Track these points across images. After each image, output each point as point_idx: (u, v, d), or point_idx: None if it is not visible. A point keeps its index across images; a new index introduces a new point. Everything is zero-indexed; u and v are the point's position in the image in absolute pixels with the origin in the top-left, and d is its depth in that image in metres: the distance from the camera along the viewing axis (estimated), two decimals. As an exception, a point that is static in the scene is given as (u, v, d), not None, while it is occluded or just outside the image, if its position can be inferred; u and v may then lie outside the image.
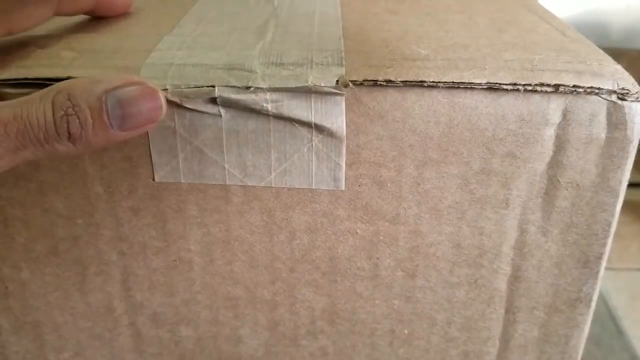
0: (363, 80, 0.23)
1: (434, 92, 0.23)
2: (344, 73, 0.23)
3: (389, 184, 0.25)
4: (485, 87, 0.23)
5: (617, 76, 0.23)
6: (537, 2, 0.33)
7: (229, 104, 0.23)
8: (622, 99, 0.23)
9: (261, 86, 0.22)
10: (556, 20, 0.30)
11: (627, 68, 0.24)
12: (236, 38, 0.26)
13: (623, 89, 0.23)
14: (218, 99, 0.23)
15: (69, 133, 0.19)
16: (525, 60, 0.24)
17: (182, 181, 0.25)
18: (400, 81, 0.23)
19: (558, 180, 0.24)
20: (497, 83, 0.22)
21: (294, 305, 0.28)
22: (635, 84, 0.23)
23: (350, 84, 0.22)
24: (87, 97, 0.19)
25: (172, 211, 0.26)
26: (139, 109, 0.20)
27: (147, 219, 0.26)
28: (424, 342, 0.29)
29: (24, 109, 0.19)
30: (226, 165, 0.24)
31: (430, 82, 0.22)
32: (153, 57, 0.24)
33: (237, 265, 0.27)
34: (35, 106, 0.19)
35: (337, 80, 0.22)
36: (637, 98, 0.23)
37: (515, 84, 0.22)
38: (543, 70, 0.23)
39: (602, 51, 0.25)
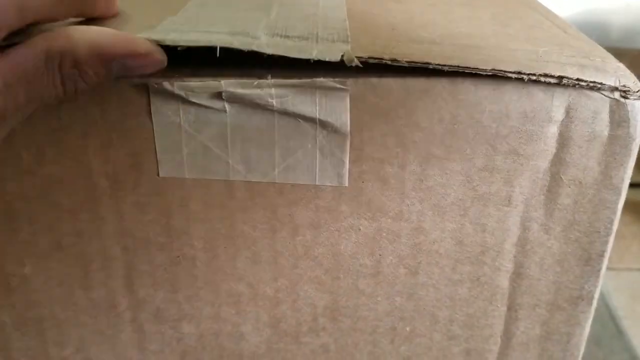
0: (368, 57, 0.22)
1: (438, 87, 0.23)
2: (349, 50, 0.22)
3: (392, 181, 0.25)
4: (490, 73, 0.22)
5: (619, 73, 0.23)
6: (538, 0, 0.33)
7: (234, 99, 0.23)
8: (625, 97, 0.23)
9: (265, 51, 0.22)
10: (557, 19, 0.30)
11: (627, 67, 0.24)
12: (240, 15, 0.26)
13: (625, 86, 0.23)
14: (224, 94, 0.23)
15: (74, 90, 0.20)
16: (530, 51, 0.24)
17: (187, 176, 0.25)
18: (406, 61, 0.22)
19: (561, 177, 0.25)
20: (501, 70, 0.22)
21: (296, 302, 0.28)
22: (637, 82, 0.23)
23: (356, 60, 0.22)
24: (93, 65, 0.19)
25: (176, 207, 0.26)
26: (144, 70, 0.21)
27: (151, 215, 0.26)
28: (426, 339, 0.29)
29: (29, 72, 0.19)
30: (230, 161, 0.25)
31: (436, 64, 0.22)
32: (155, 29, 0.24)
33: (240, 262, 0.27)
34: (41, 71, 0.19)
35: (343, 55, 0.22)
36: (640, 96, 0.23)
37: (520, 73, 0.22)
38: (547, 62, 0.23)
39: (604, 49, 0.25)
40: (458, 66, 0.22)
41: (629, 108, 0.23)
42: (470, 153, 0.24)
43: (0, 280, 0.28)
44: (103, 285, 0.28)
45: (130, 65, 0.21)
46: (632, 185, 0.26)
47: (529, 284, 0.27)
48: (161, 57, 0.22)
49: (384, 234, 0.26)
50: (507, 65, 0.22)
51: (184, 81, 0.23)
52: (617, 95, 0.23)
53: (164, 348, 0.30)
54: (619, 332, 0.62)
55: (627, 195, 0.26)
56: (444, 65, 0.22)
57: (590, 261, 0.26)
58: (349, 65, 0.22)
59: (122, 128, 0.24)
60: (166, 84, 0.23)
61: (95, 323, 0.29)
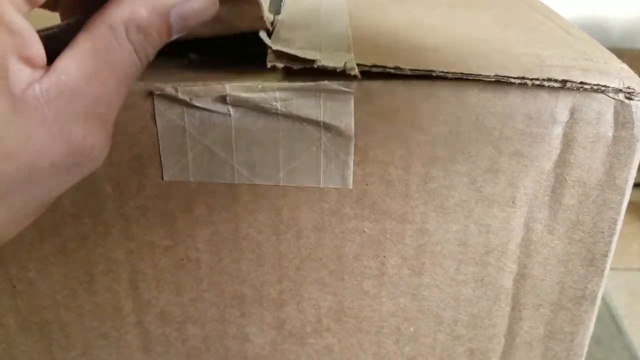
0: (372, 65, 0.22)
1: (442, 90, 0.23)
2: (352, 58, 0.22)
3: (396, 183, 0.25)
4: (493, 79, 0.22)
5: (623, 75, 0.23)
6: (540, 1, 0.33)
7: (238, 103, 0.23)
8: (629, 98, 0.23)
9: (272, 46, 0.22)
10: (560, 19, 0.30)
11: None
12: None
13: (629, 87, 0.23)
14: (228, 98, 0.23)
15: (147, 58, 0.19)
16: (533, 55, 0.24)
17: (191, 180, 0.25)
18: (409, 69, 0.22)
19: (565, 178, 0.25)
20: (505, 76, 0.22)
21: (300, 303, 0.28)
22: None
23: (356, 69, 0.22)
24: (154, 23, 0.19)
25: (181, 210, 0.26)
26: (201, 18, 0.20)
27: (156, 218, 0.26)
28: (430, 339, 0.29)
29: (102, 51, 0.18)
30: (235, 164, 0.25)
31: (439, 71, 0.22)
32: None
33: (245, 264, 0.27)
34: (114, 46, 0.18)
35: (345, 63, 0.22)
36: (644, 97, 0.23)
37: (523, 78, 0.22)
38: (550, 66, 0.23)
39: (606, 50, 0.25)
40: (462, 73, 0.22)
41: (633, 109, 0.23)
42: (475, 155, 0.24)
43: (5, 284, 0.28)
44: (108, 288, 0.28)
45: (187, 13, 0.20)
46: (633, 185, 0.26)
47: (532, 284, 0.27)
48: None
49: (388, 236, 0.26)
50: (511, 71, 0.22)
51: (188, 86, 0.23)
52: (621, 96, 0.23)
53: (168, 350, 0.30)
54: (619, 332, 0.62)
55: (628, 195, 0.26)
56: (448, 73, 0.22)
57: (594, 261, 0.26)
58: (348, 73, 0.22)
59: (126, 132, 0.24)
60: (170, 89, 0.23)
61: (100, 326, 0.29)
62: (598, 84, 0.23)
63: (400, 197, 0.25)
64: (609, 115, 0.23)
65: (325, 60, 0.22)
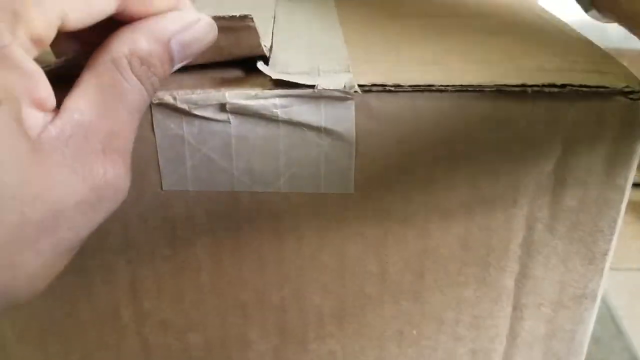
0: (371, 85, 0.23)
1: (443, 98, 0.23)
2: (351, 79, 0.23)
3: (397, 186, 0.25)
4: (494, 89, 0.23)
5: (623, 76, 0.23)
6: (538, 3, 0.33)
7: (237, 110, 0.23)
8: (629, 99, 0.23)
9: (272, 75, 0.22)
10: (559, 22, 0.30)
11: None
12: None
13: (629, 87, 0.23)
14: (227, 105, 0.23)
15: (153, 89, 0.20)
16: (533, 61, 0.24)
17: (190, 189, 0.25)
18: (409, 86, 0.22)
19: (565, 179, 0.25)
20: (505, 85, 0.22)
21: (302, 308, 0.28)
22: None
23: (359, 90, 0.22)
24: (156, 53, 0.19)
25: (181, 218, 0.26)
26: (200, 45, 0.21)
27: (155, 227, 0.26)
28: (432, 341, 0.29)
29: (108, 86, 0.18)
30: (235, 172, 0.24)
31: (439, 85, 0.22)
32: None
33: (246, 270, 0.27)
34: (118, 80, 0.18)
35: (345, 85, 0.22)
36: (644, 97, 0.23)
37: (523, 85, 0.22)
38: (550, 71, 0.23)
39: (606, 51, 0.25)
40: (461, 85, 0.22)
41: (633, 110, 0.23)
42: (476, 157, 0.24)
43: None
44: (107, 297, 0.28)
45: (187, 40, 0.20)
46: (633, 185, 0.26)
47: (533, 284, 0.27)
48: (211, 21, 0.21)
49: (390, 239, 0.26)
50: (511, 79, 0.22)
51: (187, 94, 0.23)
52: (621, 97, 0.23)
53: (170, 358, 0.30)
54: (619, 332, 0.62)
55: (628, 195, 0.26)
56: (448, 86, 0.22)
57: (594, 260, 0.26)
58: (349, 90, 0.22)
59: None
60: (168, 97, 0.23)
61: (100, 335, 0.29)
62: (598, 86, 0.23)
63: (401, 200, 0.25)
64: (609, 116, 0.23)
65: (325, 83, 0.22)
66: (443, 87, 0.22)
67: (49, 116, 0.17)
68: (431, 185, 0.25)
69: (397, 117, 0.23)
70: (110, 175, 0.18)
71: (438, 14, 0.30)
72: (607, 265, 0.27)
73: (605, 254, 0.26)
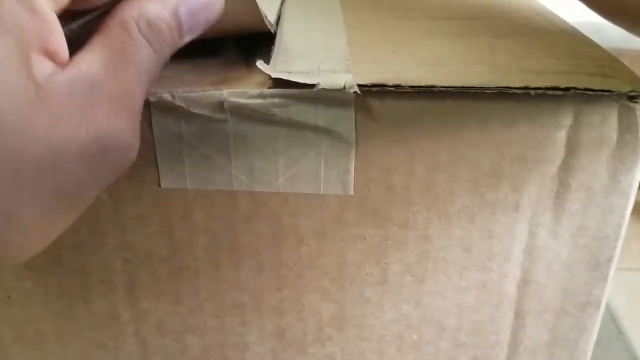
0: (372, 85, 0.22)
1: (445, 101, 0.23)
2: (351, 79, 0.22)
3: (398, 188, 0.25)
4: (496, 91, 0.22)
5: (627, 78, 0.23)
6: (543, 5, 0.33)
7: (236, 109, 0.23)
8: (633, 102, 0.23)
9: (272, 74, 0.22)
10: (562, 22, 0.29)
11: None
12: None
13: (634, 91, 0.22)
14: (225, 104, 0.22)
15: (164, 53, 0.20)
16: (536, 63, 0.23)
17: (189, 187, 0.25)
18: (410, 86, 0.22)
19: (569, 183, 0.24)
20: (507, 87, 0.22)
21: (301, 312, 0.28)
22: None
23: (359, 90, 0.22)
24: (163, 17, 0.19)
25: (178, 218, 0.25)
26: (208, 14, 0.20)
27: (153, 227, 0.26)
28: (433, 347, 0.29)
29: (118, 47, 0.19)
30: (233, 171, 0.24)
31: (441, 87, 0.22)
32: None
33: (244, 272, 0.27)
34: (128, 41, 0.19)
35: (345, 85, 0.22)
36: (649, 100, 0.23)
37: (526, 88, 0.22)
38: (554, 73, 0.23)
39: (611, 53, 0.25)
40: (462, 87, 0.22)
41: (637, 113, 0.23)
42: (477, 159, 0.24)
43: (0, 294, 0.28)
44: (104, 298, 0.28)
45: (195, 8, 0.20)
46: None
47: (536, 290, 0.27)
48: None
49: (390, 242, 0.26)
50: (513, 82, 0.22)
51: (185, 92, 0.22)
52: (625, 100, 0.23)
53: (167, 359, 0.29)
54: (619, 332, 0.62)
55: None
56: (449, 88, 0.22)
57: (598, 266, 0.26)
58: (349, 90, 0.22)
59: None
60: (166, 96, 0.22)
61: (97, 336, 0.29)
62: (602, 89, 0.22)
63: (402, 203, 0.25)
64: (613, 119, 0.23)
65: (325, 83, 0.22)
66: (444, 88, 0.22)
67: (59, 68, 0.17)
68: (432, 187, 0.25)
69: (398, 118, 0.23)
70: (115, 129, 0.18)
71: (443, 16, 0.30)
72: (612, 271, 0.27)
73: (610, 260, 0.26)
